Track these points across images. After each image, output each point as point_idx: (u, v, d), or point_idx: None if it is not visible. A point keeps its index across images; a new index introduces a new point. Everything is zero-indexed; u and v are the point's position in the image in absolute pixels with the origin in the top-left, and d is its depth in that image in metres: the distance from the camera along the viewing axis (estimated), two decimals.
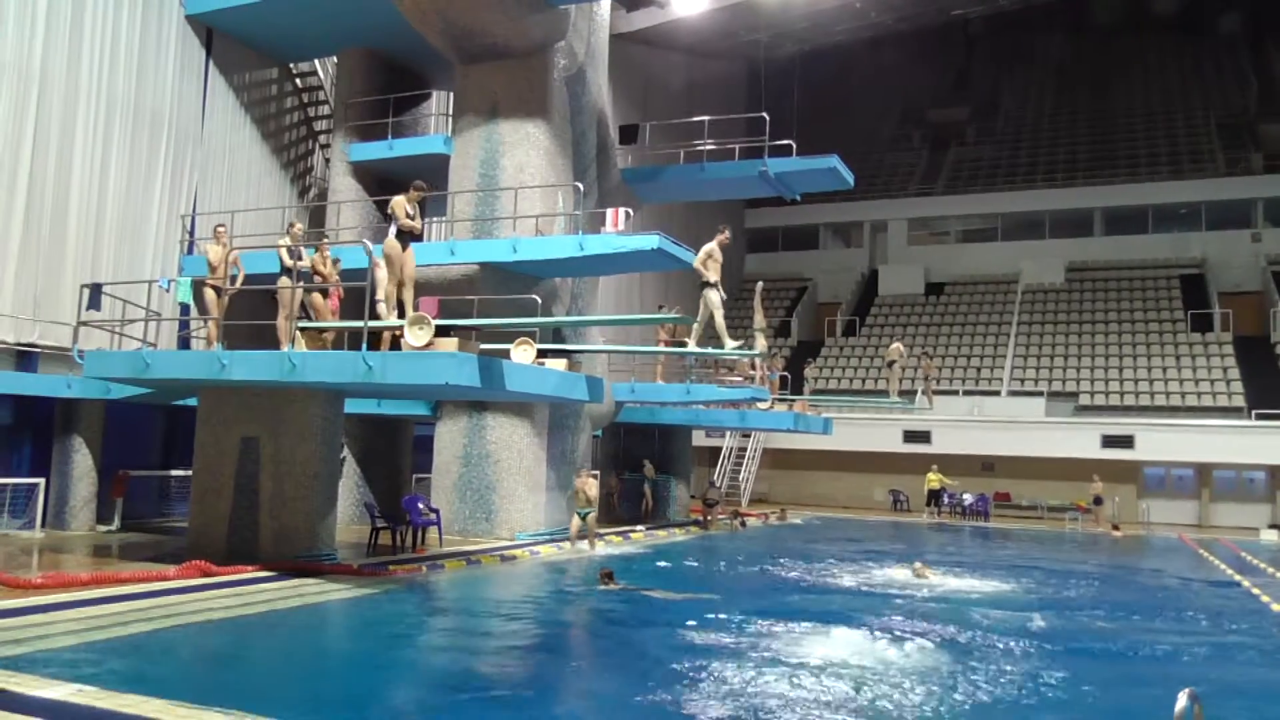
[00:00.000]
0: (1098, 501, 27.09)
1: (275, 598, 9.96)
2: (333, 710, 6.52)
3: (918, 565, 14.51)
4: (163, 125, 18.08)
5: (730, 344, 13.14)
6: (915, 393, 25.69)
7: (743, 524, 22.94)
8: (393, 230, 11.46)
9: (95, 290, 14.83)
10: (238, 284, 12.82)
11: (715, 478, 29.21)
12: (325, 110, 21.97)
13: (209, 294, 12.51)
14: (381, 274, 11.33)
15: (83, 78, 16.54)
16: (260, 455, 11.85)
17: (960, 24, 41.64)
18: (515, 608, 10.93)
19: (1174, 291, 35.35)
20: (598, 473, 18.06)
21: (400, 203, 11.49)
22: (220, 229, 12.92)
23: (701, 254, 12.51)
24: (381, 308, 11.29)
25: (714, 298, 12.37)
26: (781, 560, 16.21)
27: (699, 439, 28.70)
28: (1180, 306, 34.33)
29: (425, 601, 10.95)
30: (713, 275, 12.39)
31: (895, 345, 24.00)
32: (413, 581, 11.78)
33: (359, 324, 11.02)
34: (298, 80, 21.72)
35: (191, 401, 13.99)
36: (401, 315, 11.10)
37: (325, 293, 12.59)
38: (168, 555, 12.09)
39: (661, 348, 19.55)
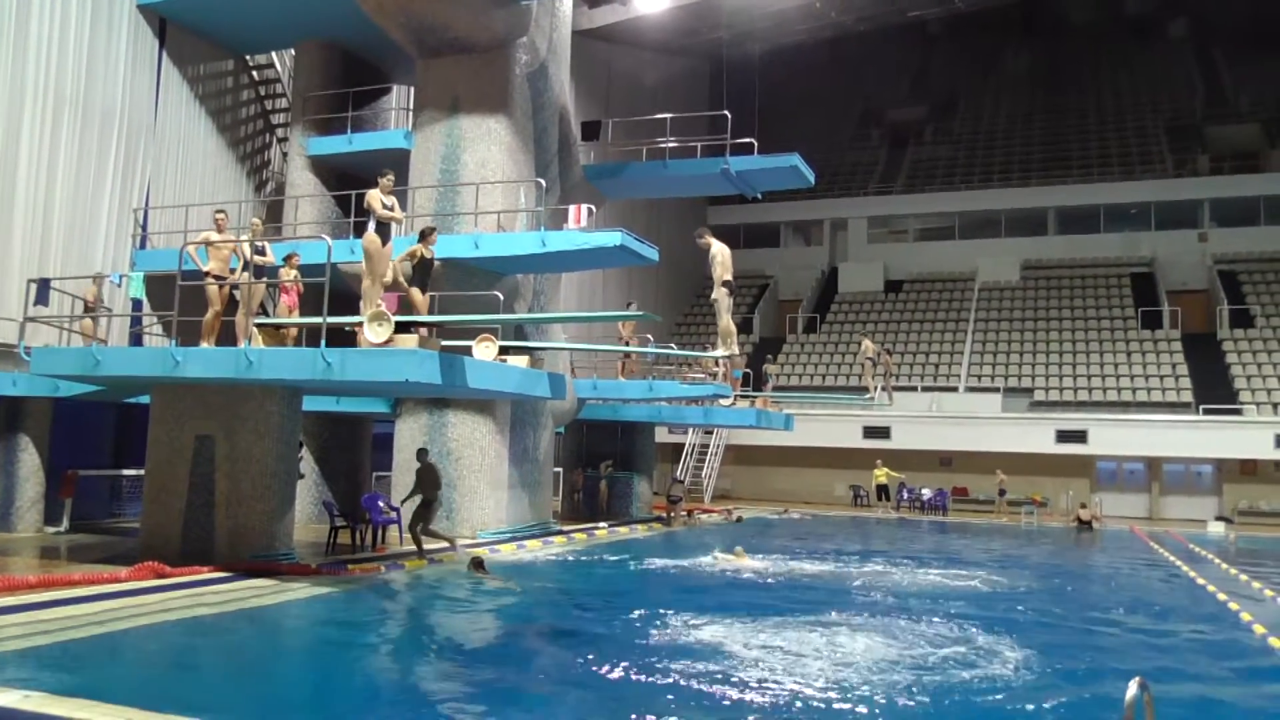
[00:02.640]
0: (1001, 494, 28.06)
1: (231, 599, 9.80)
2: (287, 713, 6.43)
3: (737, 550, 15.61)
4: (114, 117, 17.68)
5: (727, 348, 13.36)
6: (877, 388, 25.98)
7: (690, 515, 23.20)
8: (372, 225, 11.25)
9: (43, 285, 14.49)
10: (245, 276, 12.14)
11: (679, 474, 29.30)
12: (283, 104, 21.63)
13: (210, 289, 11.97)
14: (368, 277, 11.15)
15: (30, 68, 16.11)
16: (215, 454, 11.65)
17: (918, 25, 42.10)
18: (475, 606, 10.86)
19: (1125, 289, 36.12)
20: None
21: (374, 195, 11.23)
22: (221, 216, 12.33)
23: (727, 257, 12.83)
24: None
25: (726, 299, 12.58)
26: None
27: (662, 435, 28.76)
28: (1131, 304, 35.09)
29: (384, 601, 10.83)
30: (727, 274, 12.75)
31: (867, 342, 24.36)
32: (372, 581, 11.66)
33: (318, 320, 10.87)
34: (254, 73, 21.37)
35: (144, 399, 13.71)
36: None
37: (424, 285, 11.72)
38: (119, 556, 11.83)
39: (639, 347, 19.58)
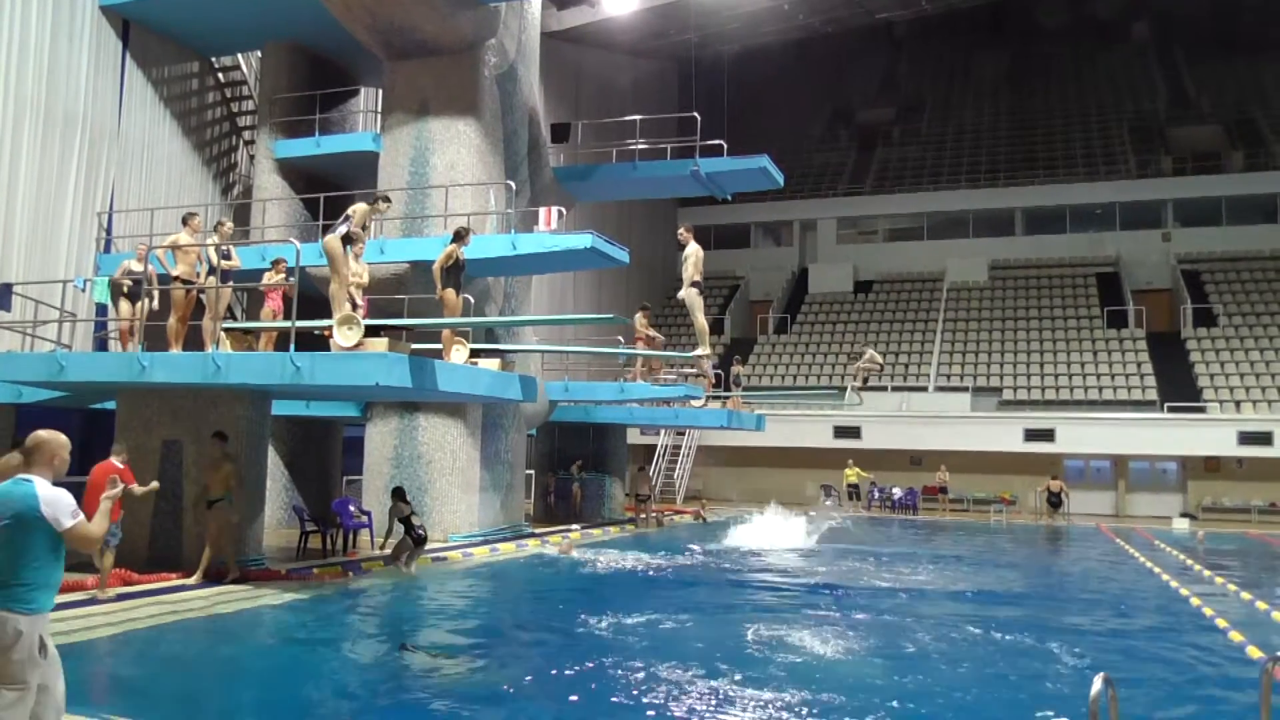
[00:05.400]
0: (943, 490, 28.68)
1: (199, 605, 9.72)
2: (251, 718, 6.39)
3: (564, 543, 16.34)
4: (76, 120, 17.42)
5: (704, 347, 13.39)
6: (846, 389, 26.17)
7: (659, 522, 23.12)
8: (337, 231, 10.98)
9: (4, 290, 14.27)
10: (212, 281, 11.70)
11: (650, 472, 29.30)
12: (250, 106, 21.43)
13: (176, 293, 11.65)
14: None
15: None
16: (183, 459, 11.54)
17: (886, 27, 42.51)
18: (445, 611, 10.83)
19: (1090, 289, 36.63)
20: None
21: (334, 241, 10.78)
22: (194, 217, 11.88)
23: (699, 259, 12.80)
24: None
25: (697, 299, 12.61)
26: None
27: (634, 437, 28.78)
28: (1097, 304, 35.58)
29: (353, 606, 10.77)
30: (697, 275, 12.72)
31: (871, 352, 24.77)
32: (342, 586, 11.59)
33: (286, 324, 10.79)
34: (220, 75, 21.15)
35: (110, 404, 13.53)
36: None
37: (459, 287, 11.58)
38: (85, 564, 11.66)
39: (610, 349, 19.60)
